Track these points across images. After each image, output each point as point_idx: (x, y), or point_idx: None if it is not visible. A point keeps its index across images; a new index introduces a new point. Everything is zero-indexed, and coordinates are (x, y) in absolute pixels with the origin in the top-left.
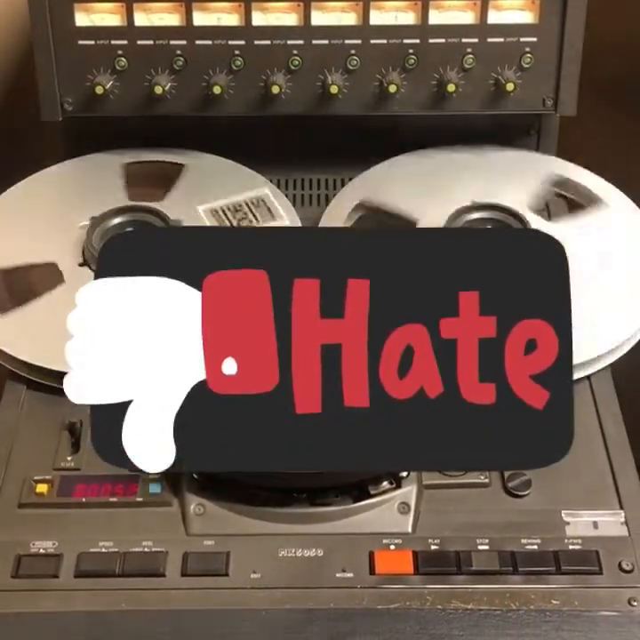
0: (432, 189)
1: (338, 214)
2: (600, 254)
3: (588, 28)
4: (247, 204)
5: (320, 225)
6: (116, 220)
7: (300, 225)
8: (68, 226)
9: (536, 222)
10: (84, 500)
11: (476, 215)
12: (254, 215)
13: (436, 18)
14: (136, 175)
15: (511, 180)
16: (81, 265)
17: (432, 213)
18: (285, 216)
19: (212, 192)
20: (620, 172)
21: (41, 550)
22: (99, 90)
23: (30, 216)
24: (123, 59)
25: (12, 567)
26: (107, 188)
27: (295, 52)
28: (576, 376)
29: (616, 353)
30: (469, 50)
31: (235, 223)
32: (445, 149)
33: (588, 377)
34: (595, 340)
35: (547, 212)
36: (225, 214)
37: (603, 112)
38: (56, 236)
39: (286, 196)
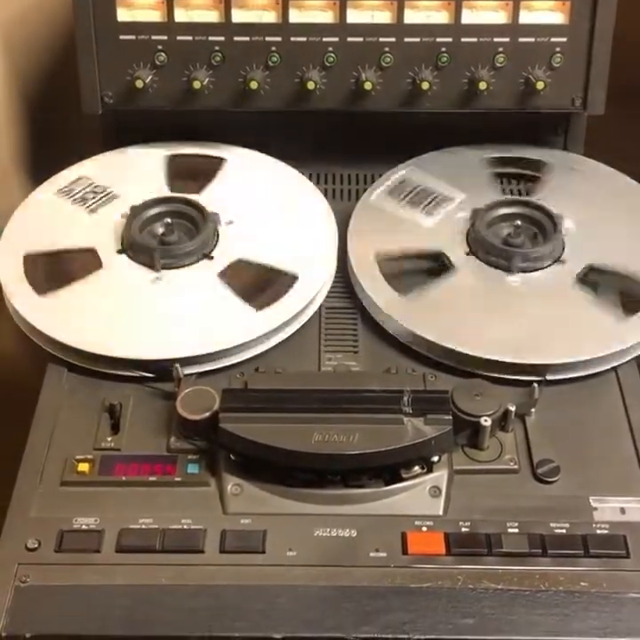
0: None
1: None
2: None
3: (617, 29)
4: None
5: (351, 222)
6: (155, 210)
7: (332, 218)
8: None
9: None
10: (124, 478)
11: (506, 210)
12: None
13: (468, 17)
14: (178, 167)
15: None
16: (119, 252)
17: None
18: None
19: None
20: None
21: (83, 526)
22: (139, 84)
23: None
24: (162, 54)
25: (56, 542)
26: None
27: (330, 48)
28: (603, 368)
29: None
30: (501, 49)
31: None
32: (475, 147)
33: (615, 368)
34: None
35: None
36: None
37: (627, 112)
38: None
39: (319, 189)
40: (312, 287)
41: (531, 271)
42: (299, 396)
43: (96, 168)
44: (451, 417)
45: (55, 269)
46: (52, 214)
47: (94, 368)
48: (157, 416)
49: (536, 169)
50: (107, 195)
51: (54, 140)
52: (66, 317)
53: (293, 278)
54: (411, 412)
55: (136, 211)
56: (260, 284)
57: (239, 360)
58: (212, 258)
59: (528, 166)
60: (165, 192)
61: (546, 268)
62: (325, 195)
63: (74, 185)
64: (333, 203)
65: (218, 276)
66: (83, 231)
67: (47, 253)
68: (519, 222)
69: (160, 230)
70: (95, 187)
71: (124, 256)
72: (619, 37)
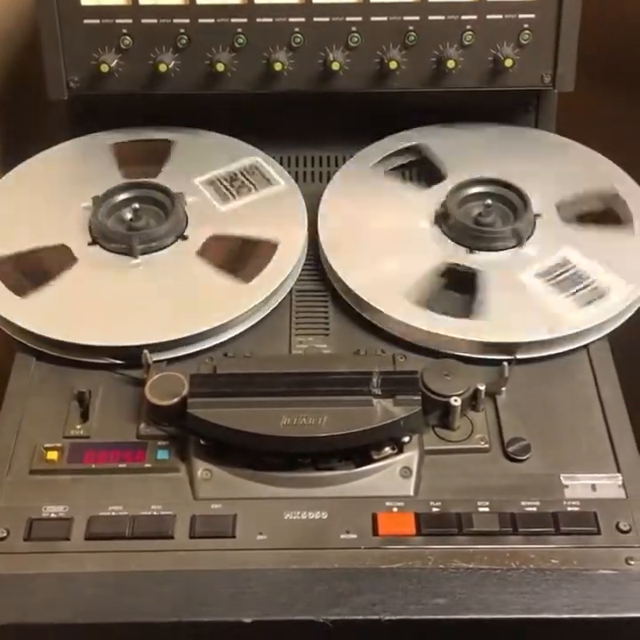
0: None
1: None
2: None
3: (585, 5)
4: (242, 173)
5: (321, 203)
6: (122, 197)
7: (297, 189)
8: (70, 207)
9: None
10: (93, 466)
11: (477, 189)
12: (251, 182)
13: None
14: (127, 154)
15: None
16: (90, 244)
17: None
18: (281, 180)
19: (203, 165)
20: (619, 151)
21: (52, 514)
22: (104, 68)
23: (32, 200)
24: (127, 37)
25: (25, 531)
26: (100, 168)
27: (297, 29)
28: (575, 345)
29: (614, 322)
30: (468, 27)
31: (234, 192)
32: (446, 126)
33: (587, 346)
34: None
35: None
36: (221, 184)
37: (599, 89)
38: (61, 219)
39: (289, 173)
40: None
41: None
42: (267, 380)
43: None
44: (420, 397)
45: (30, 270)
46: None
47: (63, 356)
48: (127, 403)
49: None
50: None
51: (22, 128)
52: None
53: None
54: (380, 393)
55: (100, 200)
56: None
57: (210, 345)
58: (186, 237)
59: None
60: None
61: (511, 248)
62: (296, 177)
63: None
64: (304, 185)
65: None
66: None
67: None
68: (489, 201)
69: (128, 216)
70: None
71: (96, 246)
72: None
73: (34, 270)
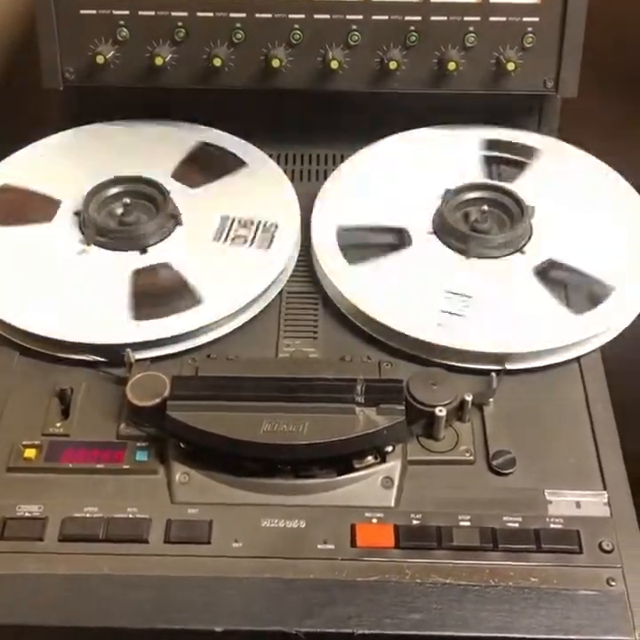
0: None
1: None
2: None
3: (590, 11)
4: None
5: (316, 204)
6: (113, 191)
7: (291, 188)
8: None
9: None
10: (71, 465)
11: (471, 195)
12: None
13: None
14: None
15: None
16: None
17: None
18: (274, 178)
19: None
20: (618, 155)
21: (26, 514)
22: (99, 60)
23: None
24: (124, 29)
25: None
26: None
27: (296, 26)
28: (566, 357)
29: (606, 335)
30: (471, 28)
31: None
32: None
33: (578, 358)
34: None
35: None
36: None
37: (603, 95)
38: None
39: (285, 171)
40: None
41: (487, 258)
42: (249, 384)
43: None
44: (404, 407)
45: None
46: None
47: (46, 351)
48: (109, 402)
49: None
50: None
51: (17, 117)
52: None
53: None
54: (363, 401)
55: (92, 192)
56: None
57: (196, 345)
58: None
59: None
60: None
61: (505, 256)
62: (291, 176)
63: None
64: (299, 184)
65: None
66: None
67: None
68: (486, 207)
69: (119, 211)
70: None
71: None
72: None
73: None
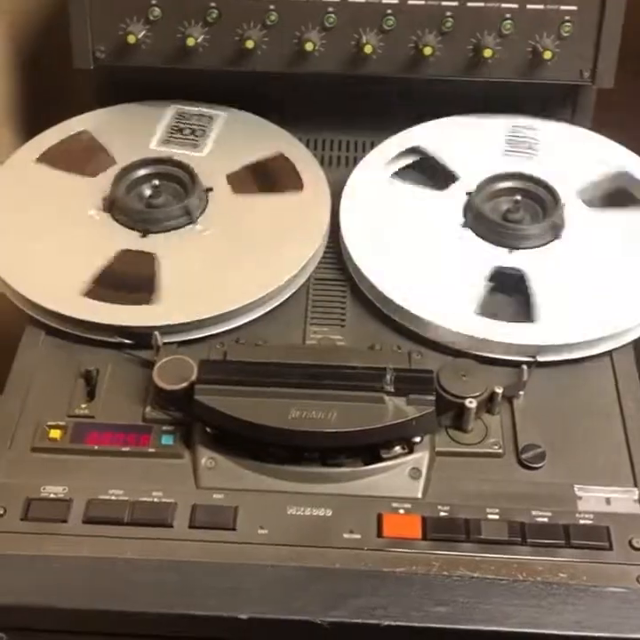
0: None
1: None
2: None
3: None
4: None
5: (345, 190)
6: (142, 172)
7: (322, 174)
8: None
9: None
10: (96, 447)
11: (510, 184)
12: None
13: None
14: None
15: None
16: (105, 211)
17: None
18: (305, 164)
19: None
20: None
21: (51, 495)
22: (131, 39)
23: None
24: (156, 8)
25: (22, 510)
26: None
27: (331, 9)
28: (598, 350)
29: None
30: (508, 15)
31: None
32: (479, 116)
33: (610, 352)
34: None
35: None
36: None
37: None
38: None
39: (315, 156)
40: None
41: (522, 248)
42: (277, 370)
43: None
44: (434, 398)
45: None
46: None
47: (73, 332)
48: (135, 384)
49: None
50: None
51: (48, 96)
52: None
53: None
54: (393, 390)
55: (122, 173)
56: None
57: (223, 330)
58: (197, 223)
59: None
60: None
61: (543, 245)
62: (321, 161)
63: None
64: (329, 170)
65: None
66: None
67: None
68: (519, 197)
69: (147, 192)
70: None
71: (108, 216)
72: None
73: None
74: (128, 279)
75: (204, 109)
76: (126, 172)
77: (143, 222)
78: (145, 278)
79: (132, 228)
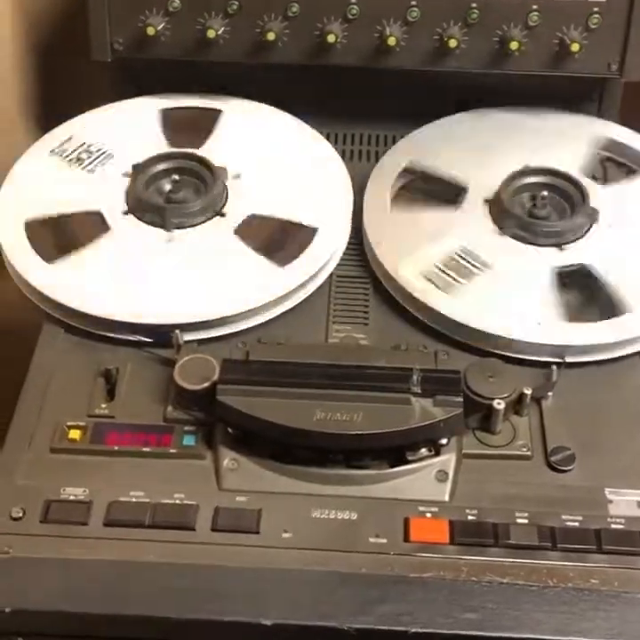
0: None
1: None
2: None
3: None
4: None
5: (368, 186)
6: (160, 167)
7: (344, 168)
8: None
9: (590, 186)
10: (116, 448)
11: (531, 179)
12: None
13: None
14: (176, 121)
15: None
16: (125, 213)
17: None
18: (327, 158)
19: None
20: None
21: (71, 497)
22: (150, 31)
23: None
24: (176, 0)
25: (41, 512)
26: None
27: (353, 0)
28: (628, 351)
29: None
30: (535, 6)
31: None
32: (500, 110)
33: None
34: None
35: (603, 176)
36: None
37: None
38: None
39: (336, 150)
40: (323, 253)
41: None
42: (301, 370)
43: (93, 123)
44: (461, 399)
45: (61, 235)
46: (50, 176)
47: (92, 330)
48: (155, 384)
49: None
50: (102, 153)
51: (64, 88)
52: (66, 278)
53: (307, 238)
54: (419, 391)
55: (139, 169)
56: (273, 243)
57: (244, 328)
58: (224, 215)
59: None
60: (164, 147)
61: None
62: (343, 156)
63: (66, 144)
64: (351, 164)
65: (234, 233)
66: (85, 193)
67: (52, 218)
68: (545, 193)
69: (167, 187)
70: (89, 146)
71: (131, 216)
72: None
73: (64, 236)
74: None
75: (220, 102)
76: (145, 168)
77: (163, 218)
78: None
79: (159, 226)
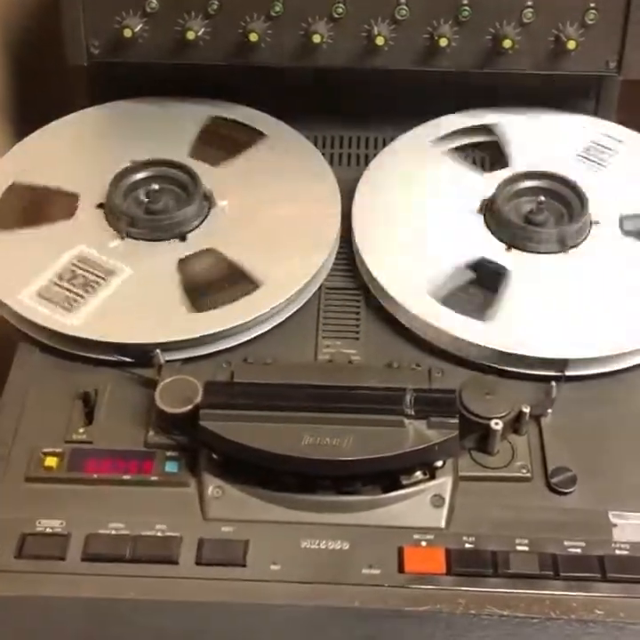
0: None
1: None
2: None
3: None
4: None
5: (360, 184)
6: (140, 175)
7: (331, 173)
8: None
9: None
10: (95, 476)
11: (528, 183)
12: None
13: None
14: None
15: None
16: (98, 206)
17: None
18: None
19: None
20: None
21: (47, 529)
22: (127, 33)
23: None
24: (153, 0)
25: (16, 547)
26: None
27: None
28: (631, 363)
29: None
30: (529, 3)
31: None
32: (493, 110)
33: None
34: None
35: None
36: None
37: None
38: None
39: (323, 154)
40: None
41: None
42: (288, 392)
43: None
44: (457, 421)
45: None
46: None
47: (68, 350)
48: (136, 406)
49: None
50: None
51: (41, 91)
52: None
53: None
54: (413, 413)
55: (123, 173)
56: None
57: (229, 345)
58: (185, 239)
59: None
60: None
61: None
62: (330, 160)
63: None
64: (338, 169)
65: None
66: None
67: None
68: (542, 198)
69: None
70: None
71: (100, 211)
72: None
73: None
74: None
75: (204, 107)
76: (122, 177)
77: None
78: None
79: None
